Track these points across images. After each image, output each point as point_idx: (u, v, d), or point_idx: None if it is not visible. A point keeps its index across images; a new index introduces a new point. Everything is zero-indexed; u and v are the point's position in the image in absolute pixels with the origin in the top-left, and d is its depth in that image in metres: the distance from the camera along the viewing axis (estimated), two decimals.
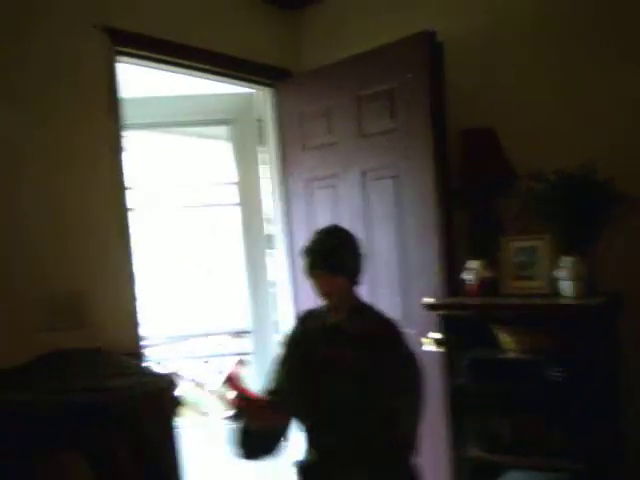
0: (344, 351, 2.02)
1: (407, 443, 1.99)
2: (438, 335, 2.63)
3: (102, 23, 2.56)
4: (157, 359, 4.07)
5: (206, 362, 5.67)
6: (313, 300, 2.25)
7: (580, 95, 2.65)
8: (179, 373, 5.43)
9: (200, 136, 4.16)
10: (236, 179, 3.47)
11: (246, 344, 3.58)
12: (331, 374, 2.02)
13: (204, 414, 5.87)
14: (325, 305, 2.14)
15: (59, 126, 2.42)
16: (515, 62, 2.80)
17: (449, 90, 2.87)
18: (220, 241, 3.80)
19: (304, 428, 2.10)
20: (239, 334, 3.65)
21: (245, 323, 3.46)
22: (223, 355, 4.87)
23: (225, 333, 4.15)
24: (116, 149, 2.63)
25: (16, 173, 2.28)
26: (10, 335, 2.20)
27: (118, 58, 2.67)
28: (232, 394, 2.02)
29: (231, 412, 2.07)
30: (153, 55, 2.87)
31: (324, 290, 2.07)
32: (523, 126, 2.76)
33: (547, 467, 2.42)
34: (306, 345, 2.15)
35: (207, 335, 4.56)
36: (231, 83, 3.33)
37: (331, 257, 2.03)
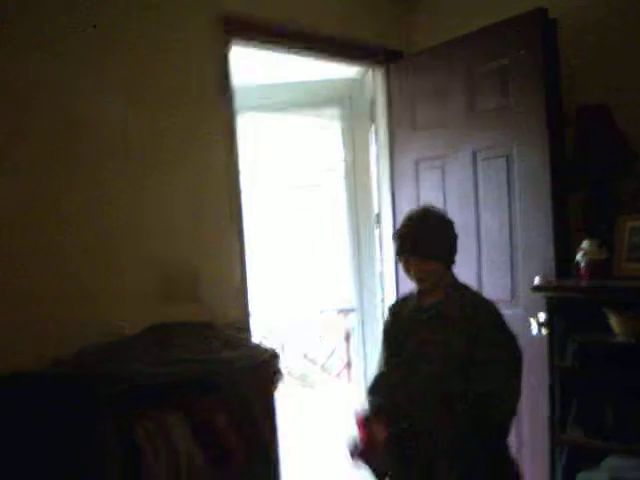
0: (446, 332, 1.97)
1: (506, 427, 1.95)
2: (544, 317, 2.57)
3: (216, 11, 2.64)
4: (267, 333, 4.24)
5: (320, 337, 5.85)
6: None
7: None
8: (290, 348, 5.66)
9: (314, 116, 4.25)
10: (346, 158, 3.53)
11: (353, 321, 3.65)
12: (433, 356, 1.97)
13: (311, 386, 6.06)
14: (417, 289, 2.10)
15: (175, 113, 2.53)
16: (633, 40, 2.68)
17: (564, 67, 2.78)
18: (329, 220, 3.88)
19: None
20: (346, 312, 3.72)
21: (351, 301, 3.52)
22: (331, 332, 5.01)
23: (334, 310, 4.25)
24: (230, 134, 2.73)
25: (136, 161, 2.41)
26: (130, 307, 2.35)
27: (232, 42, 2.75)
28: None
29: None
30: (265, 40, 2.93)
31: (416, 275, 2.03)
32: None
33: None
34: (399, 333, 2.11)
35: (316, 311, 4.70)
36: (343, 64, 3.38)
37: (420, 242, 2.00)
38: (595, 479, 2.48)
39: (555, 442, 2.54)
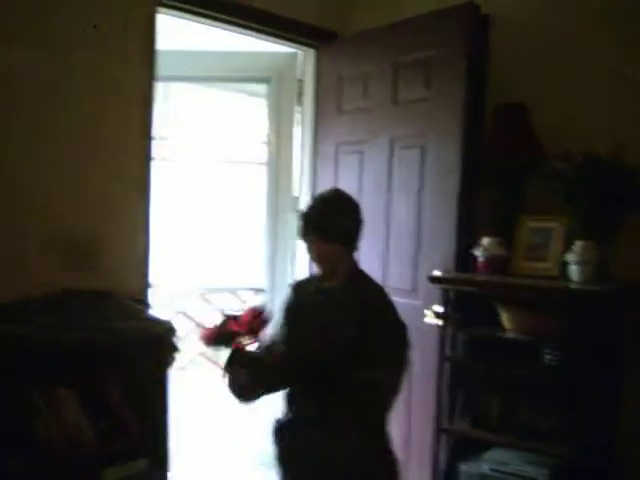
0: (338, 317, 1.99)
1: (385, 413, 1.99)
2: (439, 308, 2.60)
3: None
4: (178, 309, 4.18)
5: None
6: None
7: (616, 81, 2.56)
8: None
9: (241, 92, 4.19)
10: (269, 137, 3.48)
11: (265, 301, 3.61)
12: (322, 341, 1.99)
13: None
14: (319, 271, 2.11)
15: (92, 73, 2.45)
16: (560, 42, 2.72)
17: (492, 65, 2.82)
18: (248, 199, 3.83)
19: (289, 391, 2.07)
20: (259, 291, 3.68)
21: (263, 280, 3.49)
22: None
23: (246, 289, 4.21)
24: (147, 99, 2.65)
25: (44, 117, 2.33)
26: (24, 273, 2.28)
27: (159, 9, 2.69)
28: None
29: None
30: (195, 9, 2.89)
31: (315, 256, 2.05)
32: (559, 107, 2.69)
33: (533, 449, 2.37)
34: (299, 312, 2.12)
35: (228, 290, 4.64)
36: (274, 42, 3.33)
37: (322, 223, 2.00)
38: (475, 469, 2.54)
39: (440, 431, 2.57)
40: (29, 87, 2.30)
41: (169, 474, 2.31)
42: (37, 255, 2.33)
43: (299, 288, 2.20)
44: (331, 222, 2.01)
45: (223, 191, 3.95)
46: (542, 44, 2.77)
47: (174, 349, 2.33)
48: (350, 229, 2.04)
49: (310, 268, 3.25)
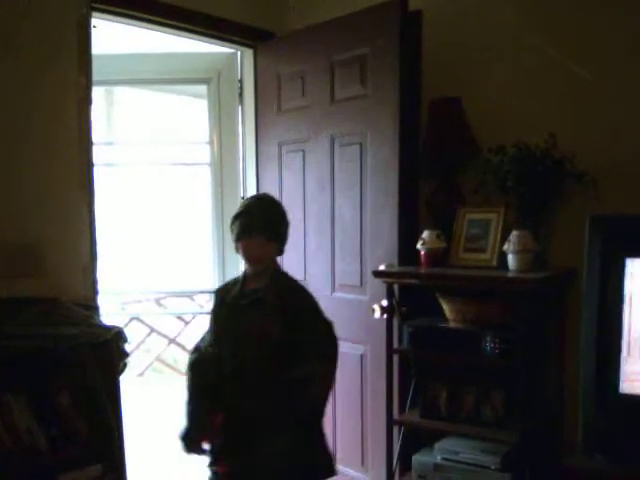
0: (264, 319, 2.04)
1: (321, 409, 2.06)
2: (384, 302, 2.64)
3: None
4: (132, 315, 4.15)
5: (187, 323, 5.76)
6: None
7: (546, 75, 2.63)
8: (158, 333, 5.55)
9: (183, 94, 4.18)
10: (212, 138, 3.47)
11: None
12: (251, 342, 2.05)
13: (185, 374, 5.94)
14: (243, 273, 2.17)
15: (25, 76, 2.42)
16: (490, 35, 2.78)
17: (426, 61, 2.87)
18: (195, 201, 3.82)
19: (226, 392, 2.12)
20: (211, 294, 3.68)
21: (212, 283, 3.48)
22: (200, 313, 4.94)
23: (198, 293, 4.19)
24: (84, 103, 2.62)
25: None
26: None
27: (93, 13, 2.67)
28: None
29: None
30: (129, 12, 2.87)
31: (256, 255, 2.08)
32: (492, 100, 2.75)
33: (481, 437, 2.44)
34: (229, 315, 2.15)
35: (182, 294, 4.62)
36: (211, 43, 3.33)
37: (267, 223, 2.08)
38: (428, 459, 2.60)
39: (392, 423, 2.62)
40: None
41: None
42: None
43: (224, 291, 2.22)
44: (274, 223, 2.10)
45: (171, 194, 3.92)
46: (473, 38, 2.82)
47: (124, 354, 2.34)
48: (286, 231, 2.15)
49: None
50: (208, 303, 4.40)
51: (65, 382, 2.17)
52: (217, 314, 2.19)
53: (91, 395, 2.21)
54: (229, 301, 2.14)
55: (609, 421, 2.09)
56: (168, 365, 5.83)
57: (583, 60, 2.53)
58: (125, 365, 2.40)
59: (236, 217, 2.11)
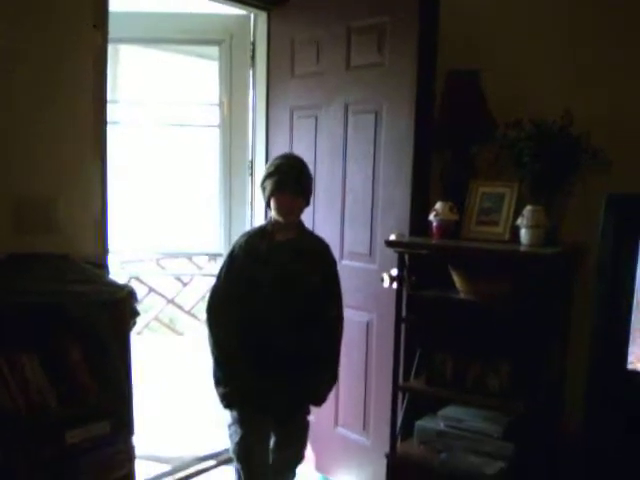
0: (301, 266, 2.37)
1: (339, 350, 2.49)
2: (394, 271, 2.67)
3: None
4: (132, 277, 4.14)
5: (186, 284, 5.78)
6: None
7: (565, 48, 2.63)
8: (157, 292, 5.57)
9: (192, 55, 4.12)
10: (222, 100, 3.44)
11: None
12: (292, 283, 2.36)
13: (180, 334, 6.00)
14: (267, 225, 2.41)
15: (44, 36, 2.39)
16: (512, 10, 2.77)
17: (445, 32, 2.83)
18: (204, 163, 3.79)
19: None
20: (214, 256, 3.69)
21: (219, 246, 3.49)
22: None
23: (202, 254, 4.20)
24: (100, 62, 2.59)
25: None
26: None
27: None
28: None
29: None
30: None
31: (290, 209, 2.37)
32: (511, 75, 2.75)
33: (486, 405, 2.49)
34: (256, 267, 2.35)
35: (184, 256, 4.63)
36: (225, 3, 3.28)
37: (300, 179, 2.36)
38: (430, 425, 2.65)
39: (397, 389, 2.67)
40: None
41: (133, 437, 2.34)
42: None
43: (251, 245, 2.40)
44: (306, 180, 2.40)
45: (176, 155, 3.90)
46: (494, 11, 2.81)
47: (135, 313, 2.35)
48: (311, 186, 2.45)
49: None
50: (208, 264, 4.43)
51: (77, 339, 2.18)
52: (243, 265, 2.38)
53: (102, 353, 2.22)
54: (264, 252, 2.36)
55: (613, 399, 2.14)
56: (164, 324, 5.88)
57: (604, 35, 2.53)
58: (135, 324, 2.43)
59: (268, 175, 2.37)
